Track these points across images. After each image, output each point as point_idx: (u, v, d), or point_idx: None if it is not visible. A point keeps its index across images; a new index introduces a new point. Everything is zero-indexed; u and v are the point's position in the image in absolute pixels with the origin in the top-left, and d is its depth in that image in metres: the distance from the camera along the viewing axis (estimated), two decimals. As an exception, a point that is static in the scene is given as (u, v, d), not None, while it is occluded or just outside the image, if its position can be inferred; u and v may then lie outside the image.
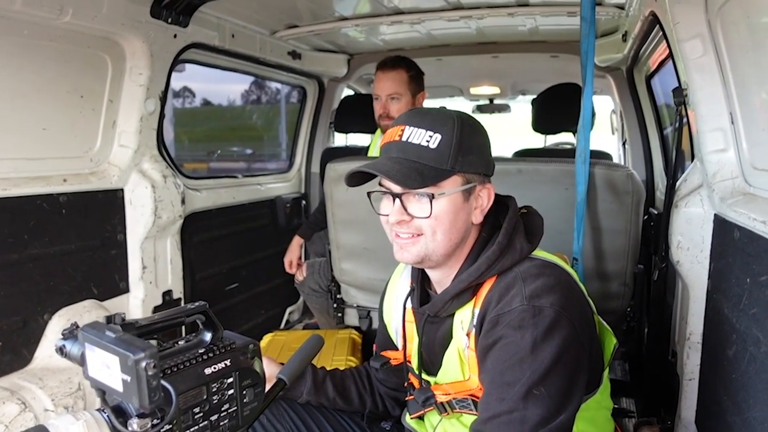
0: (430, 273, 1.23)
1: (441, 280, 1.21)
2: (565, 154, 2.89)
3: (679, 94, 1.67)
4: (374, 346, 1.53)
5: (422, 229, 1.11)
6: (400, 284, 1.38)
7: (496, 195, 1.18)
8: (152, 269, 2.19)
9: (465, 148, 1.09)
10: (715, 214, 1.55)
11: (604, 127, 4.13)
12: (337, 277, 2.34)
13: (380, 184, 1.14)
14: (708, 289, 1.56)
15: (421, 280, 1.27)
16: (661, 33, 1.82)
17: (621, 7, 2.33)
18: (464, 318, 1.15)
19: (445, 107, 1.25)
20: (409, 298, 1.29)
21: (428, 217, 1.09)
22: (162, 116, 2.20)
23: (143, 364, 0.67)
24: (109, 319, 0.79)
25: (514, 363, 1.01)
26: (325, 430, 1.46)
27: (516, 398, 0.99)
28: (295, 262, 2.80)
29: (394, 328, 1.39)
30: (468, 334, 1.13)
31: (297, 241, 2.83)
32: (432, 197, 1.08)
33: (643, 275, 1.97)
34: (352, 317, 2.48)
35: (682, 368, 1.69)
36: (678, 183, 1.77)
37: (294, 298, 3.30)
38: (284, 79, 3.29)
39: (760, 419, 1.08)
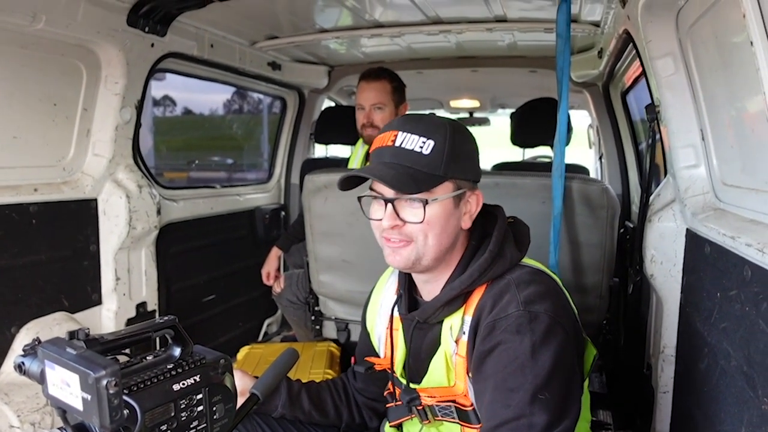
0: (418, 279, 1.24)
1: (429, 286, 1.21)
2: (543, 167, 2.92)
3: (652, 110, 1.70)
4: (353, 359, 1.51)
5: (414, 234, 1.11)
6: (385, 292, 1.38)
7: (484, 205, 1.20)
8: (126, 281, 2.15)
9: (457, 155, 1.11)
10: (687, 229, 1.57)
11: (582, 141, 4.19)
12: (315, 290, 2.32)
13: (371, 189, 1.14)
14: (681, 302, 1.58)
15: (408, 287, 1.27)
16: (634, 51, 1.86)
17: (596, 24, 2.37)
18: (453, 324, 1.15)
19: (435, 114, 1.26)
20: (397, 306, 1.29)
21: (421, 222, 1.10)
22: (138, 125, 2.17)
23: (104, 382, 0.65)
24: (72, 335, 0.77)
25: (515, 369, 1.02)
26: (300, 448, 1.44)
27: (522, 404, 0.99)
28: (272, 273, 2.77)
29: (377, 335, 1.38)
30: (457, 341, 1.14)
31: (275, 253, 2.80)
32: (426, 203, 1.09)
33: (619, 288, 1.99)
34: (330, 330, 2.45)
35: (656, 381, 1.70)
36: (652, 198, 1.80)
37: (272, 311, 3.26)
38: (264, 90, 3.28)
39: (730, 432, 1.10)
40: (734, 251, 1.12)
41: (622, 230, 2.37)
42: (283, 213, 3.32)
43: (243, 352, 2.54)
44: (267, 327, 3.27)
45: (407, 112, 2.58)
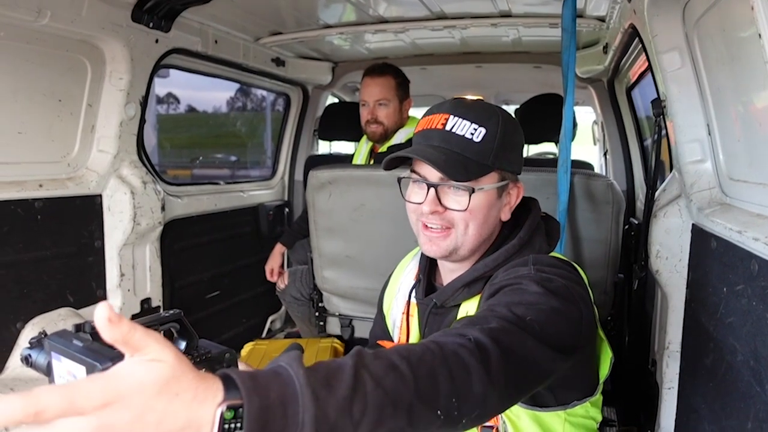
0: (444, 267, 1.22)
1: (455, 274, 1.18)
2: (548, 163, 2.91)
3: (658, 105, 1.69)
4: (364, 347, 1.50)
5: (454, 221, 1.09)
6: (404, 276, 1.36)
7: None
8: (130, 277, 2.15)
9: (506, 145, 1.09)
10: (693, 224, 1.56)
11: (587, 137, 4.18)
12: (319, 285, 2.32)
13: (413, 171, 1.12)
14: (686, 298, 1.58)
15: (428, 273, 1.26)
16: (640, 45, 1.85)
17: (602, 19, 2.36)
18: (470, 309, 1.13)
19: (484, 101, 1.24)
20: (414, 290, 1.27)
21: (463, 210, 1.08)
22: (143, 121, 2.17)
23: (111, 373, 0.65)
24: (78, 328, 0.76)
25: (513, 300, 0.93)
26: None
27: (503, 314, 0.87)
28: (276, 270, 2.78)
29: (392, 319, 1.36)
30: None
31: (279, 249, 2.80)
32: (472, 191, 1.07)
33: (624, 284, 1.98)
34: (333, 326, 2.45)
35: (661, 377, 1.70)
36: (657, 193, 1.79)
37: (276, 307, 3.26)
38: (268, 86, 3.28)
39: (736, 428, 1.09)
40: (741, 245, 1.11)
41: (627, 226, 2.36)
42: (286, 209, 3.32)
43: (247, 348, 2.55)
44: (271, 323, 3.28)
45: (411, 109, 2.58)
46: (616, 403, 2.21)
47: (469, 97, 4.45)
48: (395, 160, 1.13)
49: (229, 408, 0.56)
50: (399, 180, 1.17)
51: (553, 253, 1.16)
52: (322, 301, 2.40)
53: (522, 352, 0.82)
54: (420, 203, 1.10)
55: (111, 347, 0.73)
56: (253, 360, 2.38)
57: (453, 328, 0.86)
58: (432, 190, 1.08)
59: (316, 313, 2.46)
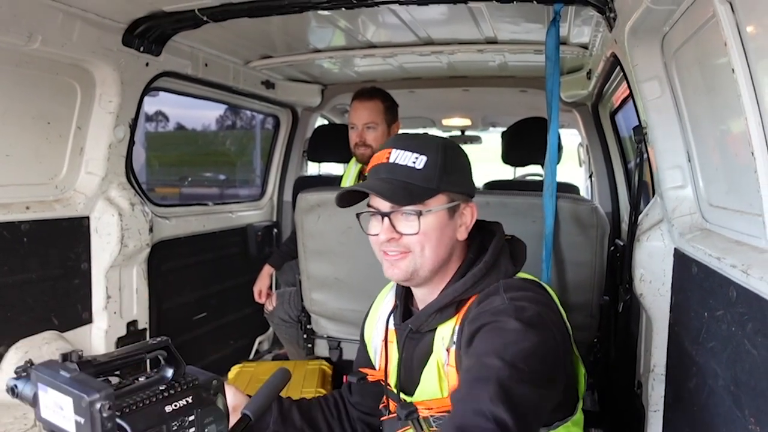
0: (415, 291, 1.27)
1: (426, 298, 1.23)
2: (534, 186, 2.95)
3: (639, 131, 1.73)
4: (345, 377, 1.51)
5: (411, 245, 1.15)
6: (383, 306, 1.41)
7: (483, 222, 1.25)
8: (117, 299, 2.14)
9: (449, 169, 1.16)
10: (675, 248, 1.60)
11: (572, 158, 4.24)
12: (307, 307, 2.32)
13: (369, 206, 1.19)
14: (670, 321, 1.60)
15: (405, 298, 1.30)
16: (622, 73, 1.90)
17: (585, 46, 2.42)
18: (445, 334, 1.17)
19: (428, 133, 1.31)
20: (392, 316, 1.32)
21: (416, 233, 1.14)
22: (132, 143, 2.18)
23: (98, 405, 0.65)
24: (66, 357, 0.77)
25: (499, 343, 1.00)
26: (292, 466, 1.43)
27: (500, 365, 0.95)
28: (264, 291, 2.77)
29: (374, 347, 1.40)
30: (448, 350, 1.15)
31: (267, 271, 2.80)
32: (420, 214, 1.13)
33: (609, 307, 2.00)
34: (322, 348, 2.44)
35: (647, 399, 1.71)
36: (640, 217, 1.82)
37: (264, 328, 3.24)
38: (258, 108, 3.31)
39: (719, 452, 1.11)
40: (720, 272, 1.14)
41: (612, 248, 2.39)
42: (275, 230, 3.32)
43: (234, 370, 2.53)
44: (258, 345, 3.26)
45: (400, 131, 2.61)
46: (603, 425, 2.22)
47: (457, 120, 4.53)
48: (347, 197, 1.20)
49: None
50: (358, 216, 1.23)
51: (520, 274, 1.22)
52: (310, 323, 2.39)
53: (529, 404, 0.93)
54: (377, 234, 1.16)
55: (97, 377, 0.74)
56: (241, 382, 2.36)
57: (463, 394, 0.96)
58: (386, 219, 1.15)
59: (304, 335, 2.45)
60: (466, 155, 1.24)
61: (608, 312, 2.00)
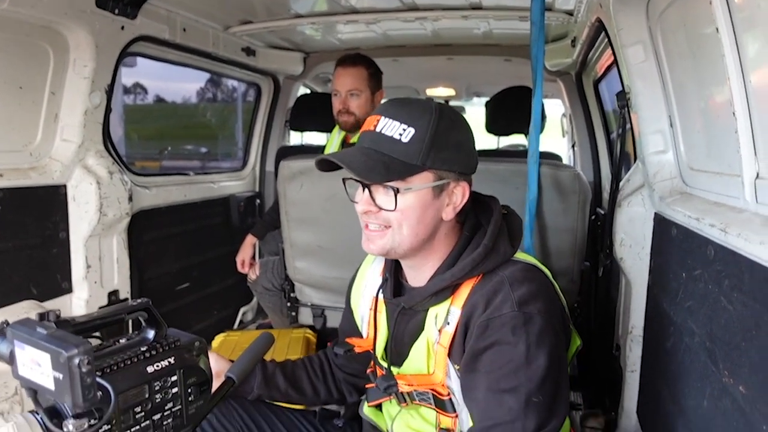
0: (404, 264, 1.23)
1: (415, 272, 1.21)
2: (517, 155, 2.96)
3: (623, 97, 1.74)
4: (329, 343, 1.52)
5: (389, 221, 1.10)
6: (370, 272, 1.37)
7: (478, 194, 1.19)
8: (97, 268, 2.11)
9: (439, 144, 1.07)
10: (655, 213, 1.61)
11: (555, 129, 4.25)
12: (290, 276, 2.31)
13: None
14: (649, 284, 1.63)
15: (394, 271, 1.27)
16: (606, 39, 1.89)
17: (570, 13, 2.40)
18: (439, 313, 1.15)
19: (429, 98, 1.24)
20: (382, 289, 1.28)
21: (393, 210, 1.08)
22: (108, 110, 2.12)
23: (76, 360, 0.64)
24: (42, 317, 0.75)
25: (510, 371, 1.03)
26: (277, 429, 1.44)
27: (516, 408, 1.01)
28: (247, 261, 2.75)
29: (360, 315, 1.38)
30: (440, 330, 1.14)
31: (250, 240, 2.78)
32: (397, 191, 1.07)
33: (590, 272, 2.03)
34: (306, 316, 2.45)
35: (624, 361, 1.75)
36: (622, 183, 1.84)
37: (247, 298, 3.24)
38: (239, 76, 3.24)
39: (693, 407, 1.14)
40: (699, 232, 1.16)
41: (593, 217, 2.42)
42: (258, 201, 3.29)
43: (218, 339, 2.53)
44: (242, 315, 3.26)
45: (382, 101, 2.59)
46: (582, 388, 2.27)
47: (441, 89, 4.49)
48: (327, 163, 1.14)
49: None
50: (344, 181, 1.17)
51: (518, 254, 1.18)
52: (294, 292, 2.40)
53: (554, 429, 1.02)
54: (358, 203, 1.12)
55: (76, 335, 0.73)
56: (224, 351, 2.37)
57: None
58: (366, 190, 1.10)
59: (288, 304, 2.45)
60: (465, 127, 1.15)
61: (589, 277, 2.03)
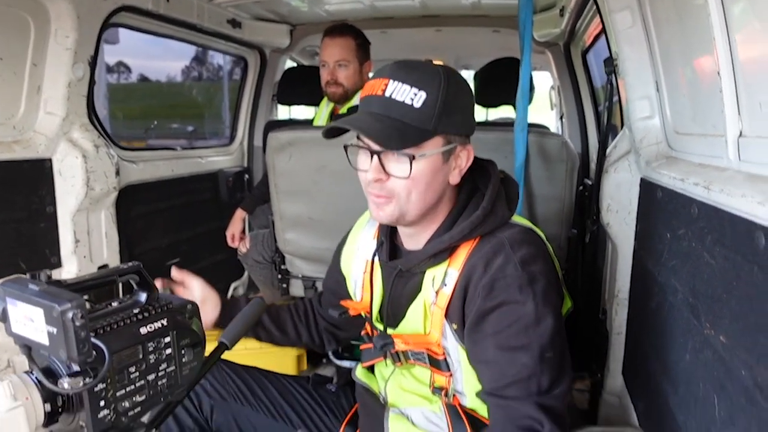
0: (402, 230, 1.23)
1: (413, 236, 1.20)
2: (506, 126, 2.96)
3: (610, 63, 1.74)
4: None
5: (397, 190, 1.08)
6: (362, 236, 1.37)
7: (476, 158, 1.18)
8: (86, 243, 2.10)
9: (449, 108, 1.06)
10: (641, 178, 1.63)
11: (544, 104, 4.24)
12: (281, 248, 2.32)
13: (359, 138, 1.10)
14: (635, 248, 1.66)
15: (390, 234, 1.26)
16: (594, 6, 1.89)
17: (558, -20, 2.39)
18: (437, 275, 1.15)
19: (430, 62, 1.22)
20: (377, 252, 1.28)
21: (406, 177, 1.06)
22: (92, 83, 2.09)
23: (70, 314, 0.65)
24: (34, 276, 0.76)
25: (520, 329, 1.04)
26: (270, 394, 1.47)
27: (531, 364, 1.02)
28: (237, 235, 2.76)
29: (353, 279, 1.37)
30: (437, 292, 1.14)
31: (239, 214, 2.77)
32: (412, 158, 1.05)
33: (577, 239, 2.06)
34: (297, 288, 2.46)
35: (611, 324, 1.79)
36: (609, 150, 1.85)
37: (238, 274, 3.25)
38: (224, 49, 3.19)
39: (676, 361, 1.17)
40: (683, 192, 1.18)
41: (581, 187, 2.44)
42: (246, 176, 3.28)
43: (210, 313, 2.54)
44: (234, 290, 3.27)
45: (371, 72, 2.57)
46: (570, 354, 2.32)
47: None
48: (332, 130, 1.12)
49: None
50: (345, 147, 1.15)
51: (515, 218, 1.19)
52: (284, 264, 2.40)
53: (564, 389, 1.05)
54: (365, 171, 1.10)
55: (68, 290, 0.73)
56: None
57: (500, 395, 1.05)
58: (375, 157, 1.07)
59: (279, 276, 2.46)
60: (469, 90, 1.14)
61: (576, 244, 2.06)
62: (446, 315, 1.14)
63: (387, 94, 1.05)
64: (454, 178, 1.13)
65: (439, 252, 1.14)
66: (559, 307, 1.11)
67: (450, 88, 1.06)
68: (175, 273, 1.41)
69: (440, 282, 1.14)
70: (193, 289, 1.40)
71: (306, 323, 1.50)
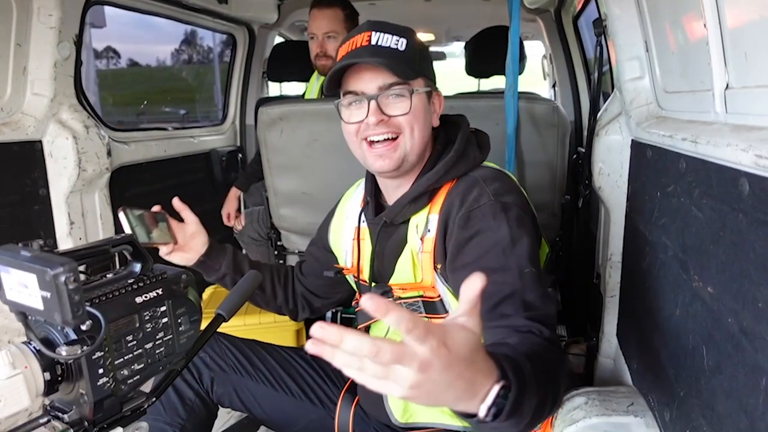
0: (389, 185, 1.28)
1: (398, 188, 1.26)
2: (497, 95, 2.94)
3: (599, 24, 1.73)
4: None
5: (401, 126, 1.16)
6: (349, 205, 1.43)
7: (447, 115, 1.27)
8: (81, 225, 2.10)
9: (424, 54, 1.21)
10: (632, 140, 1.63)
11: (537, 76, 4.21)
12: (276, 224, 2.32)
13: (347, 93, 1.17)
14: (627, 211, 1.66)
15: (375, 194, 1.33)
16: (583, -33, 1.86)
17: (547, -57, 2.35)
18: (419, 223, 1.20)
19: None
20: (363, 213, 1.33)
21: (407, 113, 1.15)
22: (79, 62, 2.07)
23: (62, 278, 0.65)
24: (26, 245, 0.76)
25: (497, 253, 1.06)
26: (269, 365, 1.49)
27: (512, 280, 1.02)
28: (233, 214, 2.76)
29: (344, 250, 1.42)
30: (422, 239, 1.19)
31: (234, 193, 2.77)
32: (411, 92, 1.14)
33: (570, 205, 2.07)
34: (293, 264, 2.48)
35: (604, 287, 1.80)
36: (599, 113, 1.85)
37: (235, 253, 3.25)
38: (212, 26, 3.14)
39: (667, 317, 1.19)
40: (671, 149, 1.18)
41: (575, 156, 2.44)
42: (239, 155, 3.26)
43: (208, 292, 2.56)
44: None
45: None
46: (566, 321, 2.34)
47: (421, 35, 4.40)
48: (336, 80, 1.17)
49: (503, 387, 0.69)
50: (337, 105, 1.21)
51: (487, 162, 1.25)
52: (280, 240, 2.41)
53: (549, 300, 1.03)
54: (362, 119, 1.15)
55: (62, 255, 0.73)
56: (214, 303, 2.39)
57: (493, 314, 1.00)
58: (373, 102, 1.14)
59: (275, 252, 2.47)
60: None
61: (570, 211, 2.07)
62: (435, 259, 1.18)
63: (373, 42, 1.14)
64: (435, 121, 1.24)
65: (419, 195, 1.20)
66: (534, 235, 1.12)
67: (417, 38, 1.19)
68: (177, 203, 1.45)
69: (423, 228, 1.20)
70: (189, 222, 1.45)
71: (284, 285, 1.54)
